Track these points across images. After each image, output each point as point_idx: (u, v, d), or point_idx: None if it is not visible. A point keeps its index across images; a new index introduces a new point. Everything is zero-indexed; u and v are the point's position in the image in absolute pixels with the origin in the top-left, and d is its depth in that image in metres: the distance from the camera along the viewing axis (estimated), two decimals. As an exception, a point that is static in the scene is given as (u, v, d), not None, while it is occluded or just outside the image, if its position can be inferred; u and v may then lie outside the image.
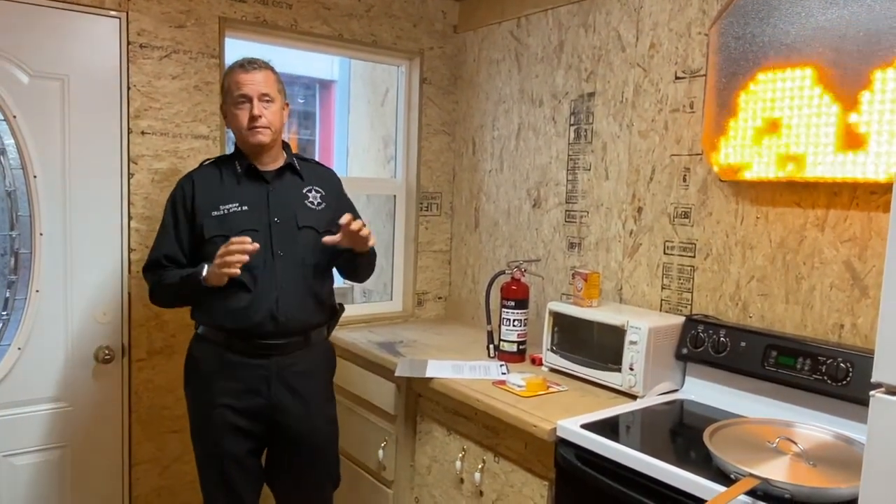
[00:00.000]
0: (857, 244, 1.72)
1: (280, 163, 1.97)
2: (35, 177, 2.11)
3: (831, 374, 1.64)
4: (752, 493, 1.31)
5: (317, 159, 2.20)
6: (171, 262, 1.89)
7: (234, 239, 1.75)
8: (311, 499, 2.06)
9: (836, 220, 1.76)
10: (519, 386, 2.02)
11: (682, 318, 2.03)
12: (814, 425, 1.61)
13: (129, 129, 2.25)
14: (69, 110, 2.15)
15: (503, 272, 2.42)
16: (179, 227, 1.90)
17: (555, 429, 1.73)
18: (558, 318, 2.21)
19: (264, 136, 1.87)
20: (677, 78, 2.12)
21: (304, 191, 1.99)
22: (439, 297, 3.12)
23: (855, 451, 1.46)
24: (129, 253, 2.29)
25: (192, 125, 2.36)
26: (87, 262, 2.22)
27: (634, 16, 2.24)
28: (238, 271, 1.75)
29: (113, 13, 2.20)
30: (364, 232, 1.84)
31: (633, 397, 1.96)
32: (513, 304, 2.34)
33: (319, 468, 2.04)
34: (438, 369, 2.20)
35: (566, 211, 2.52)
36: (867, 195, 1.69)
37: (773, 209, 1.88)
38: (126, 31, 2.22)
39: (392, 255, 3.04)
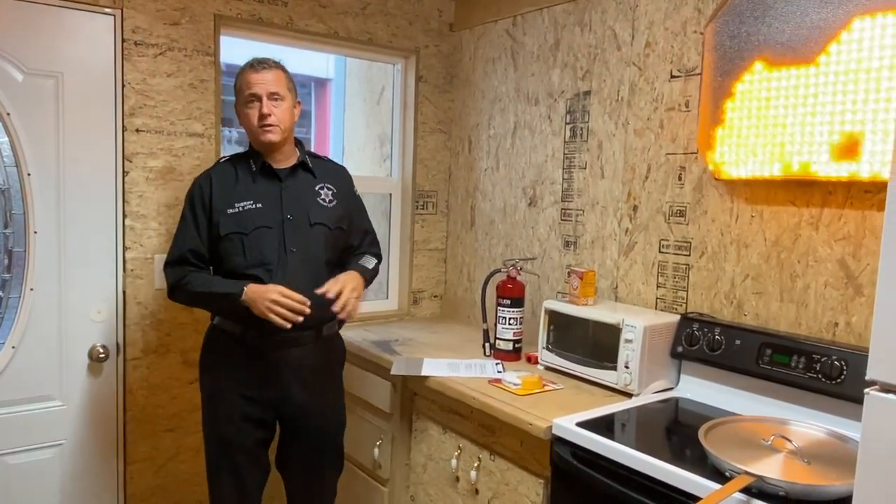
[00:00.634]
0: (851, 243, 1.72)
1: (293, 160, 2.01)
2: (29, 174, 2.10)
3: (826, 372, 1.65)
4: (746, 490, 1.31)
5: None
6: (196, 257, 1.92)
7: (296, 297, 1.81)
8: (319, 484, 2.13)
9: (830, 218, 1.76)
10: (515, 384, 2.02)
11: (678, 317, 2.03)
12: (808, 423, 1.61)
13: (123, 126, 2.24)
14: (63, 108, 2.14)
15: (499, 270, 2.42)
16: (199, 224, 1.93)
17: (550, 427, 1.73)
18: (554, 317, 2.22)
19: (273, 135, 1.90)
20: (673, 77, 2.12)
21: (317, 188, 2.02)
22: (435, 296, 3.12)
23: (849, 449, 1.47)
24: (123, 251, 2.28)
25: (186, 123, 2.36)
26: (81, 261, 2.21)
27: (630, 14, 2.25)
28: (288, 326, 1.81)
29: (107, 10, 2.19)
30: (338, 306, 1.86)
31: (629, 395, 1.96)
32: (508, 302, 2.34)
33: (327, 456, 2.10)
34: (434, 368, 2.20)
35: (562, 209, 2.52)
36: (861, 194, 1.70)
37: (768, 208, 1.89)
38: (121, 29, 2.21)
39: (388, 253, 3.04)
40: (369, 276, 2.06)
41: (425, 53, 2.93)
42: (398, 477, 2.35)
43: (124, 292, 2.30)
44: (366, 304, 3.05)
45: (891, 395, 1.04)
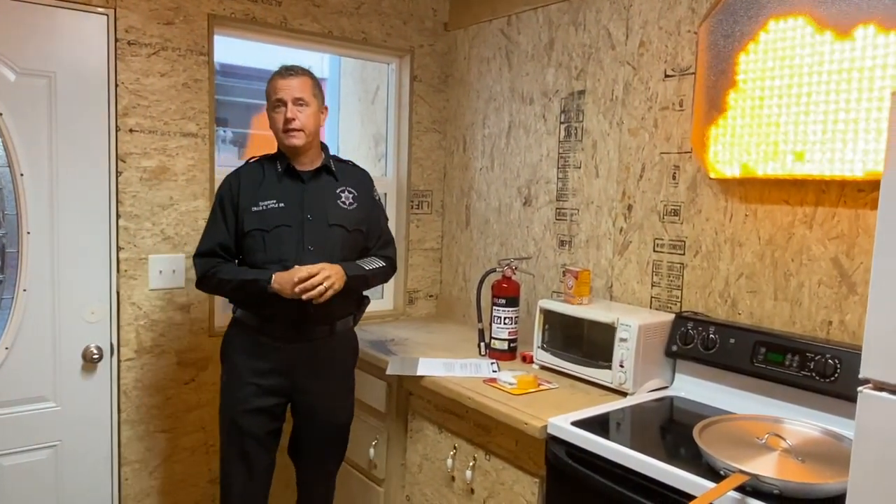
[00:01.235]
0: (844, 241, 1.73)
1: (317, 163, 2.09)
2: (22, 175, 2.09)
3: (819, 371, 1.65)
4: (741, 489, 1.31)
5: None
6: (224, 250, 2.03)
7: (314, 272, 1.89)
8: (326, 473, 2.22)
9: (823, 217, 1.77)
10: (510, 384, 2.02)
11: (672, 316, 2.03)
12: (802, 421, 1.62)
13: (117, 126, 2.24)
14: (56, 108, 2.13)
15: (494, 270, 2.42)
16: (227, 220, 2.03)
17: (546, 426, 1.73)
18: (549, 316, 2.22)
19: (297, 139, 1.99)
20: (667, 76, 2.12)
21: (338, 191, 2.10)
22: (430, 296, 3.12)
23: (843, 447, 1.47)
24: (117, 251, 2.27)
25: (180, 123, 2.35)
26: (74, 261, 2.20)
27: (624, 14, 2.25)
28: (321, 299, 1.89)
29: (101, 10, 2.18)
30: (299, 288, 1.89)
31: (624, 394, 1.96)
32: (504, 301, 2.34)
33: (334, 446, 2.19)
34: (429, 367, 2.20)
35: (556, 209, 2.53)
36: (855, 193, 1.70)
37: (762, 206, 1.89)
38: (114, 28, 2.20)
39: (383, 253, 3.04)
40: (365, 275, 2.07)
41: (420, 53, 2.93)
42: (394, 477, 2.34)
43: (118, 293, 2.29)
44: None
45: (884, 394, 1.04)
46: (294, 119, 1.96)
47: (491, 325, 2.37)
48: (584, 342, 2.12)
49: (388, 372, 2.22)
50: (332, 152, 2.17)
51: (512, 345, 2.37)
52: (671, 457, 1.54)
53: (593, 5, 2.35)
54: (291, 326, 1.99)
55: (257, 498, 2.09)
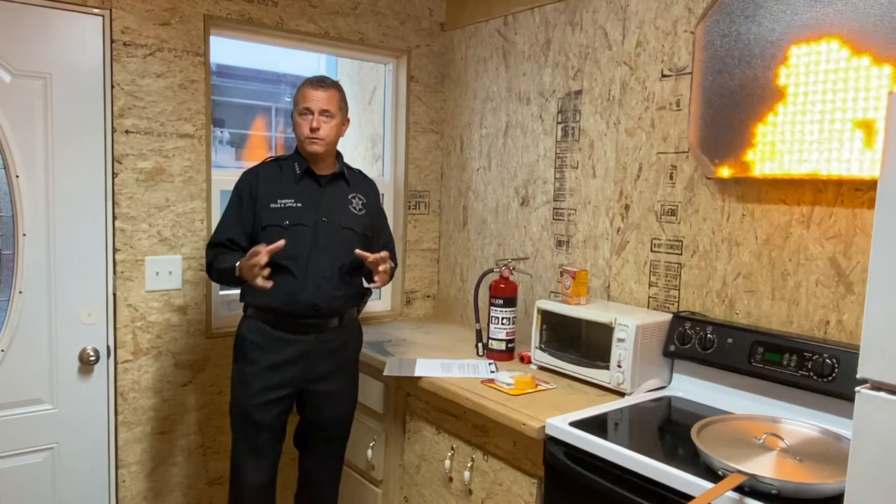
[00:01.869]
0: (841, 241, 1.73)
1: (333, 169, 2.20)
2: (17, 176, 2.09)
3: (817, 371, 1.65)
4: (739, 489, 1.31)
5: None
6: (232, 244, 2.11)
7: (261, 252, 1.93)
8: (336, 458, 2.29)
9: (821, 216, 1.77)
10: (508, 384, 2.02)
11: (670, 316, 2.03)
12: (800, 421, 1.62)
13: (112, 128, 2.23)
14: (52, 109, 2.12)
15: (491, 270, 2.42)
16: (243, 214, 2.12)
17: (543, 426, 1.73)
18: (547, 316, 2.22)
19: (318, 147, 2.09)
20: (664, 76, 2.12)
21: (350, 197, 2.21)
22: (428, 296, 3.11)
23: (841, 447, 1.47)
24: (113, 253, 2.27)
25: (177, 124, 2.34)
26: (70, 263, 2.20)
27: (621, 14, 2.25)
28: (267, 285, 1.93)
29: (96, 11, 2.17)
30: (383, 268, 2.07)
31: (622, 394, 1.96)
32: (501, 302, 2.34)
33: (342, 433, 2.26)
34: (427, 368, 2.20)
35: (554, 209, 2.52)
36: (852, 192, 1.70)
37: (759, 206, 1.89)
38: (109, 29, 2.19)
39: (380, 253, 3.03)
40: (395, 267, 2.22)
41: (417, 53, 2.93)
42: (392, 478, 2.34)
43: (115, 294, 2.28)
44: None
45: (882, 393, 1.04)
46: (318, 129, 2.07)
47: (489, 325, 2.37)
48: (581, 342, 2.11)
49: (386, 373, 2.22)
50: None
51: (510, 345, 2.36)
52: (669, 457, 1.54)
53: (590, 5, 2.35)
54: (303, 318, 2.08)
55: (269, 493, 2.16)
